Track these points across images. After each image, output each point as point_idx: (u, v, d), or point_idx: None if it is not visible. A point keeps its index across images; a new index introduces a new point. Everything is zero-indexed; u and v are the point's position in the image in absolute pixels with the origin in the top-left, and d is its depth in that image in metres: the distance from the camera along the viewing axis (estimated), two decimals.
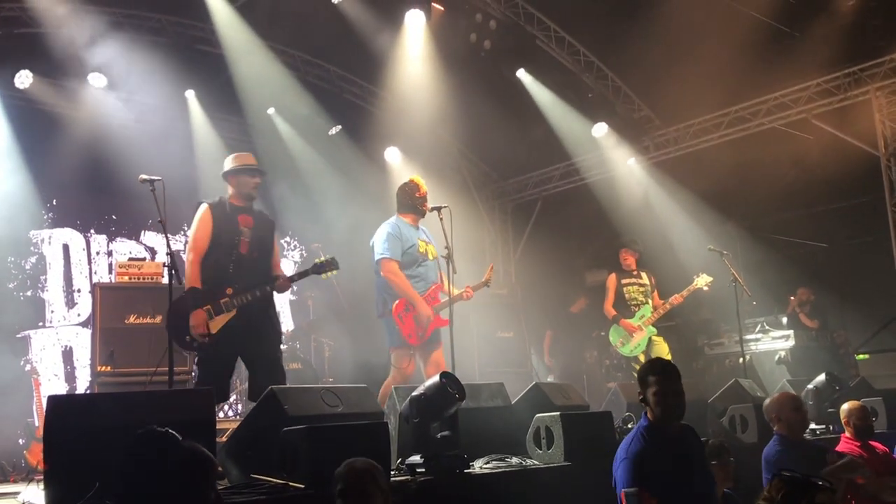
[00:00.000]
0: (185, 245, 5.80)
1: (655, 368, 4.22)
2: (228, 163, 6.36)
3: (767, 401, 5.52)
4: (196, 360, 6.08)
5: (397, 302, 6.84)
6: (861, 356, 10.91)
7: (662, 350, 9.10)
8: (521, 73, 11.99)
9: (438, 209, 6.89)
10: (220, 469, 2.85)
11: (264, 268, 6.24)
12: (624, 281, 9.42)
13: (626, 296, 9.36)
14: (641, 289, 9.39)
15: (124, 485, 2.73)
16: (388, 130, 12.24)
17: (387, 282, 6.90)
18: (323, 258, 6.50)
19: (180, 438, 2.80)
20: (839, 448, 5.84)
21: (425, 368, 6.99)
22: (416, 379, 6.72)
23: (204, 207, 6.12)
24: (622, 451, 4.02)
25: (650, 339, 9.18)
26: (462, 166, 13.96)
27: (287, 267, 12.60)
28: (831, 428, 6.88)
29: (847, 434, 5.94)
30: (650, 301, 9.35)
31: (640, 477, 3.81)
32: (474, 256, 13.16)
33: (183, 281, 5.87)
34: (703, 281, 9.05)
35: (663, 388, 4.07)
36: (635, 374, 7.90)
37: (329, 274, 6.51)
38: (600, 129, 12.23)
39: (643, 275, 9.51)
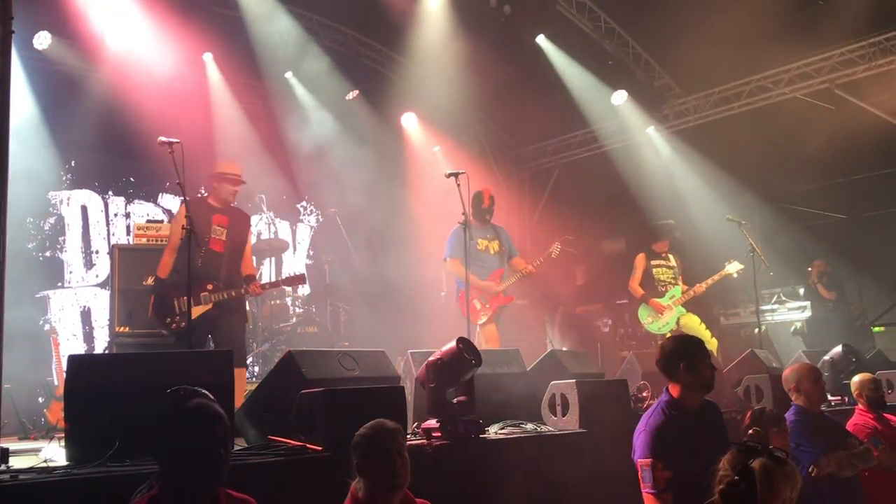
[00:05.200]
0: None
1: (687, 343, 4.23)
2: (216, 166, 7.10)
3: (787, 371, 5.51)
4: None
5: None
6: (877, 328, 10.90)
7: (694, 322, 8.98)
8: (541, 39, 11.85)
9: (455, 175, 6.92)
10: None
11: (236, 265, 6.96)
12: (653, 262, 9.31)
13: (655, 277, 9.27)
14: (670, 271, 9.30)
15: (139, 442, 2.83)
16: (405, 96, 12.17)
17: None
18: (294, 273, 7.65)
19: (189, 395, 2.91)
20: (854, 420, 5.85)
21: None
22: None
23: (180, 205, 6.72)
24: (643, 422, 4.06)
25: (679, 317, 9.10)
26: (479, 133, 13.87)
27: (303, 232, 12.64)
28: (846, 399, 6.88)
29: (860, 406, 5.94)
30: (678, 283, 9.26)
31: (657, 450, 3.85)
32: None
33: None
34: (733, 268, 8.89)
35: (697, 361, 4.07)
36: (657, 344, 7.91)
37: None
38: (620, 97, 12.10)
39: (671, 257, 9.41)
